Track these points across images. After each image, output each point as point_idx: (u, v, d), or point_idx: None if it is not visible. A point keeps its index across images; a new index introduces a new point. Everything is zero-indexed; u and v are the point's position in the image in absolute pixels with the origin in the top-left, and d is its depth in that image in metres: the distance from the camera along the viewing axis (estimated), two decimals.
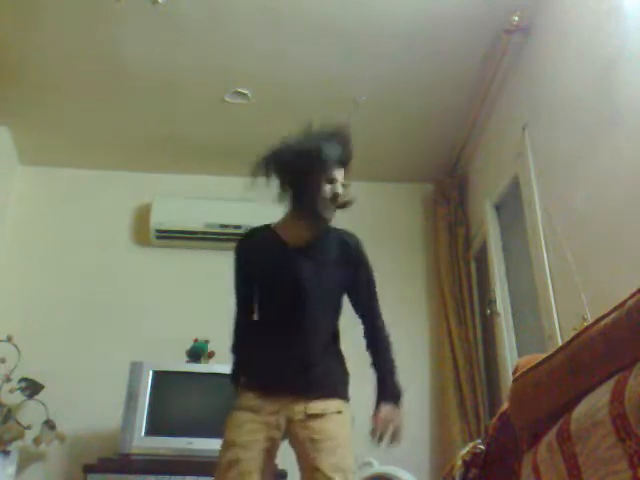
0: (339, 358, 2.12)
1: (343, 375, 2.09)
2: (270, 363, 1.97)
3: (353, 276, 2.11)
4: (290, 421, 1.91)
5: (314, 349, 1.99)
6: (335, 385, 2.01)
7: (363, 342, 2.22)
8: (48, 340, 3.50)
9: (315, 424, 1.88)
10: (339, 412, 1.92)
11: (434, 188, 4.05)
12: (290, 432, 1.92)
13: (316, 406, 1.90)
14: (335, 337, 2.14)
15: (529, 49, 2.92)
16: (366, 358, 2.16)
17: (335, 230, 2.16)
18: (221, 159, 3.96)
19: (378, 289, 2.20)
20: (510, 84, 3.17)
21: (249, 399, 1.94)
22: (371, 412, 1.99)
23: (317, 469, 1.79)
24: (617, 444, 1.05)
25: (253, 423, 1.89)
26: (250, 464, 1.84)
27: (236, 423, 1.91)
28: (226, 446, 1.89)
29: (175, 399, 3.13)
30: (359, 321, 2.20)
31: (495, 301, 3.22)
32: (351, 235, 2.21)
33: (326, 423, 1.88)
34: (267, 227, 2.15)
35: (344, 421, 1.93)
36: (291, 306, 1.99)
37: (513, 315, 3.15)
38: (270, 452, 1.91)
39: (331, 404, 1.92)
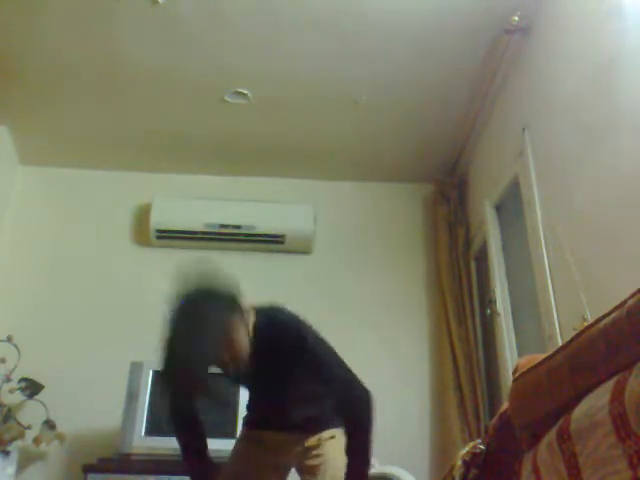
0: (325, 403, 2.14)
1: (331, 412, 2.13)
2: (265, 421, 2.15)
3: (304, 364, 1.90)
4: (290, 453, 2.10)
5: (296, 412, 2.10)
6: (325, 421, 2.11)
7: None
8: (48, 340, 3.50)
9: (313, 452, 2.07)
10: (332, 437, 2.07)
11: (434, 188, 4.05)
12: (292, 462, 2.13)
13: (312, 439, 2.08)
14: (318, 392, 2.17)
15: (529, 49, 2.91)
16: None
17: (264, 328, 1.89)
18: (221, 159, 3.96)
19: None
20: (510, 84, 3.17)
21: (253, 434, 2.17)
22: None
23: None
24: (617, 444, 1.05)
25: (257, 453, 2.10)
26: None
27: (241, 456, 2.14)
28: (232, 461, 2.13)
29: None
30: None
31: (495, 301, 3.22)
32: (283, 325, 1.91)
33: (322, 449, 2.06)
34: None
35: (338, 444, 2.04)
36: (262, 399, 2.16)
37: (513, 315, 3.15)
38: (283, 472, 2.15)
39: (324, 434, 2.08)
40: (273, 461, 2.11)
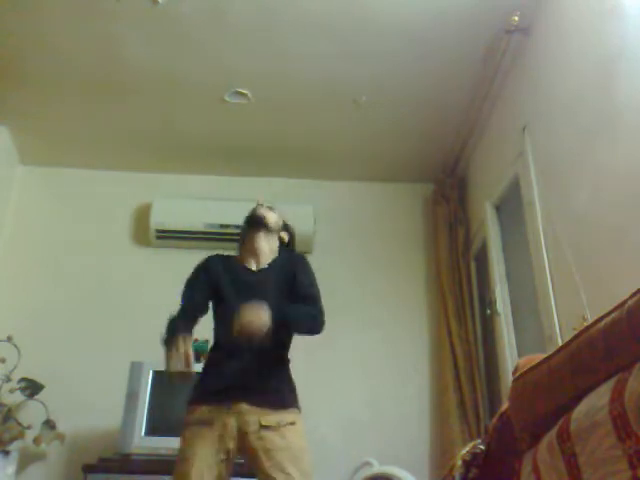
0: (286, 373, 2.19)
1: (290, 386, 2.16)
2: (222, 377, 2.09)
3: (294, 278, 2.25)
4: (244, 433, 1.99)
5: (263, 364, 2.10)
6: (284, 394, 2.10)
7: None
8: (48, 340, 3.50)
9: (269, 435, 1.97)
10: (292, 423, 2.01)
11: (434, 188, 4.05)
12: (244, 444, 2.00)
13: (270, 418, 1.99)
14: (283, 357, 2.22)
15: (529, 49, 2.91)
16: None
17: (282, 253, 2.40)
18: (221, 159, 3.96)
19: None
20: (510, 84, 3.17)
21: (202, 413, 2.03)
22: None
23: (273, 478, 1.90)
24: (617, 444, 1.05)
25: (206, 437, 1.98)
26: (205, 476, 1.93)
27: (189, 438, 2.01)
28: (180, 460, 2.00)
29: (175, 399, 3.12)
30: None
31: (495, 301, 3.22)
32: (296, 254, 2.45)
33: (280, 435, 1.97)
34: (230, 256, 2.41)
35: (297, 431, 2.02)
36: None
37: (513, 315, 3.15)
38: (226, 464, 2.00)
39: (285, 416, 2.01)
40: (219, 451, 1.98)
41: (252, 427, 1.98)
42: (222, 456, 1.98)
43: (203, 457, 1.95)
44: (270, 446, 1.95)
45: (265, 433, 1.97)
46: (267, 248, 2.33)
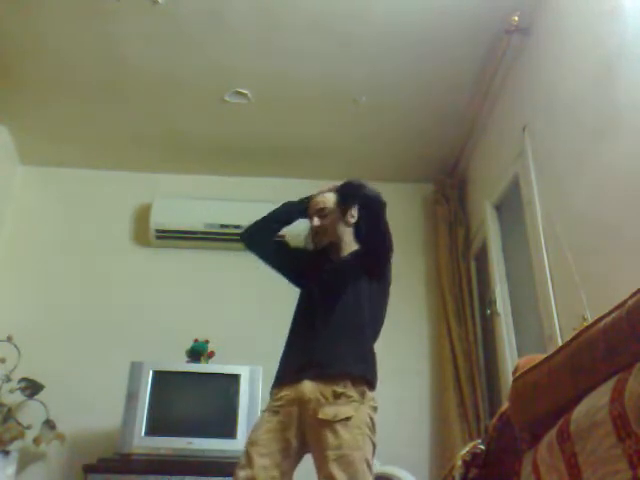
0: (361, 341, 2.17)
1: (362, 355, 2.10)
2: (291, 354, 2.13)
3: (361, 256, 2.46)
4: (303, 422, 1.96)
5: (333, 334, 2.10)
6: (349, 362, 2.02)
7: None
8: (48, 340, 3.49)
9: (323, 432, 1.89)
10: (348, 418, 1.90)
11: (434, 188, 4.05)
12: (303, 433, 1.97)
13: (327, 410, 1.91)
14: (363, 325, 2.27)
15: (529, 49, 2.92)
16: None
17: None
18: (221, 159, 3.96)
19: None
20: (510, 84, 3.17)
21: (273, 400, 2.06)
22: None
23: (324, 476, 1.86)
24: (617, 444, 1.05)
25: (271, 423, 1.98)
26: (265, 461, 1.91)
27: (258, 423, 2.05)
28: (247, 443, 2.00)
29: (175, 399, 3.13)
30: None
31: (495, 301, 3.22)
32: None
33: (332, 432, 1.88)
34: None
35: (353, 427, 1.90)
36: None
37: (513, 315, 3.15)
38: (285, 452, 1.95)
39: (342, 410, 1.91)
40: (279, 440, 1.95)
41: (310, 419, 1.93)
42: (283, 444, 1.94)
43: (266, 444, 1.93)
44: (322, 443, 1.88)
45: (320, 428, 1.90)
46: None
